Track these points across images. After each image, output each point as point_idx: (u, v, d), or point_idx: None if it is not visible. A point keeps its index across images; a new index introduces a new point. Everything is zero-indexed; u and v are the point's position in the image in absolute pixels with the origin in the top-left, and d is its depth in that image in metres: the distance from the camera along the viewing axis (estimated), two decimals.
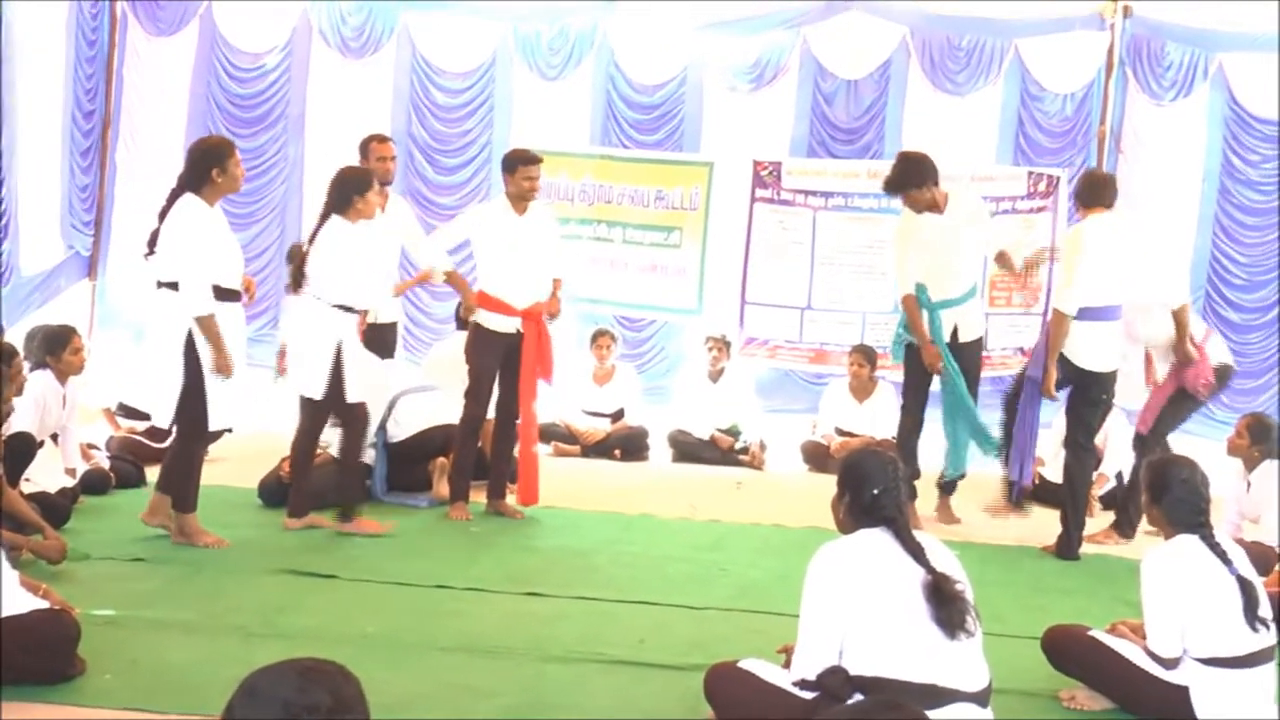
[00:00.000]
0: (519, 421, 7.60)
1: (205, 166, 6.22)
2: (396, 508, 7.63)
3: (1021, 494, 8.09)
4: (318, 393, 6.74)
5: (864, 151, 11.76)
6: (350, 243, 6.72)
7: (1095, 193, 7.32)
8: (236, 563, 6.12)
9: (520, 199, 7.44)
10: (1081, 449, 7.34)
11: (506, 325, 7.46)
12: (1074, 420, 7.39)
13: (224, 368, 6.16)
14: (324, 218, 6.78)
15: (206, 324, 6.10)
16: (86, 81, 11.75)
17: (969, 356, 7.75)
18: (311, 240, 6.79)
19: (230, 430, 7.41)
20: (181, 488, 6.38)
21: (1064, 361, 7.19)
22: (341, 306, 6.73)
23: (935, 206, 7.60)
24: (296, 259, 6.89)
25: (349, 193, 6.76)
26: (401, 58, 12.12)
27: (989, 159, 11.59)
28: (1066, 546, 7.20)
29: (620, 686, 4.57)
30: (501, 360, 7.50)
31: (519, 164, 7.44)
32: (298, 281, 6.76)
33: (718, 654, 4.32)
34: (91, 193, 12.02)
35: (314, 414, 6.87)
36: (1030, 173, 10.67)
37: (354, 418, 6.94)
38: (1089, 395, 7.26)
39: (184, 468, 6.40)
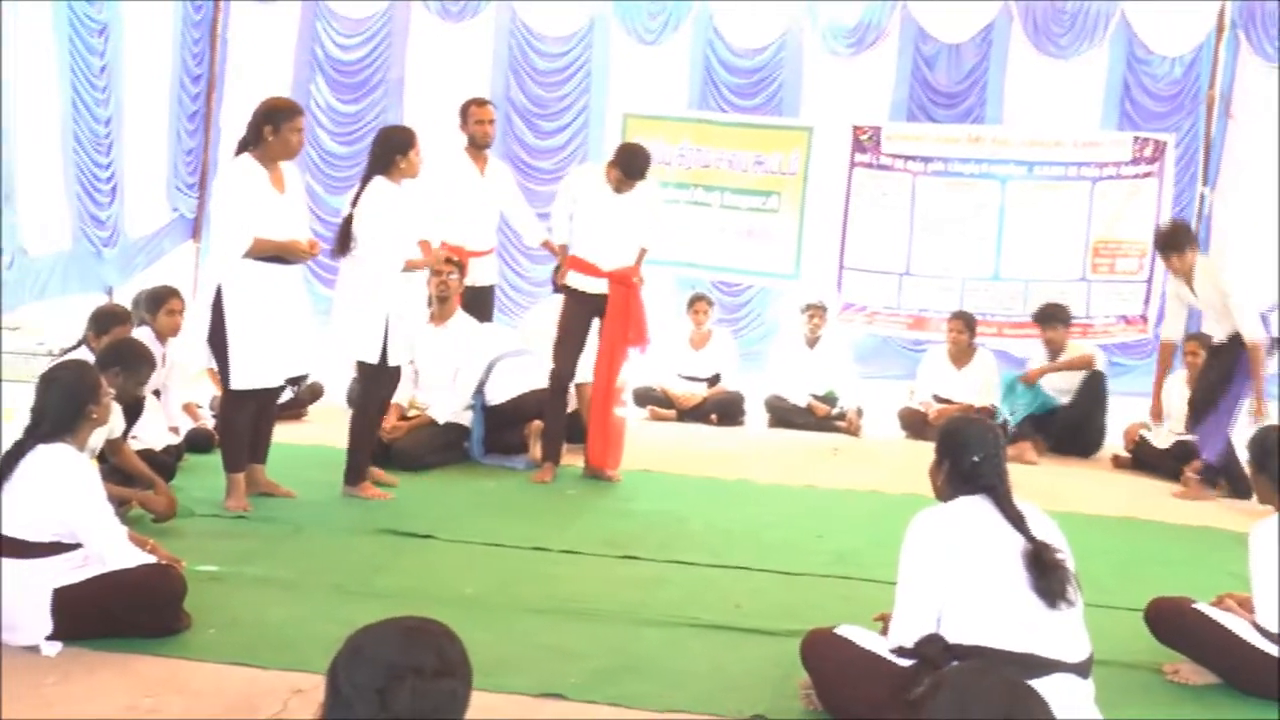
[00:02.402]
0: (588, 383, 7.62)
1: (389, 152, 6.57)
2: (494, 469, 7.70)
3: (1213, 474, 8.00)
4: (373, 356, 6.64)
5: (965, 116, 11.63)
6: (396, 202, 6.57)
7: (1191, 237, 8.01)
8: (335, 522, 6.20)
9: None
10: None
11: (594, 286, 7.47)
12: None
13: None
14: (366, 179, 6.61)
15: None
16: (194, 46, 11.97)
17: None
18: (354, 202, 6.58)
19: (284, 388, 7.10)
20: (224, 447, 6.57)
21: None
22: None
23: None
24: (342, 222, 6.67)
25: (391, 152, 6.58)
26: (500, 22, 12.17)
27: (1093, 124, 11.40)
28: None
29: (714, 650, 4.57)
30: (590, 322, 7.53)
31: (610, 165, 7.44)
32: (344, 245, 6.58)
33: (813, 620, 4.29)
34: (196, 156, 12.25)
35: (372, 378, 6.79)
36: (1136, 138, 10.46)
37: (389, 379, 6.91)
38: None
39: (223, 427, 6.72)
